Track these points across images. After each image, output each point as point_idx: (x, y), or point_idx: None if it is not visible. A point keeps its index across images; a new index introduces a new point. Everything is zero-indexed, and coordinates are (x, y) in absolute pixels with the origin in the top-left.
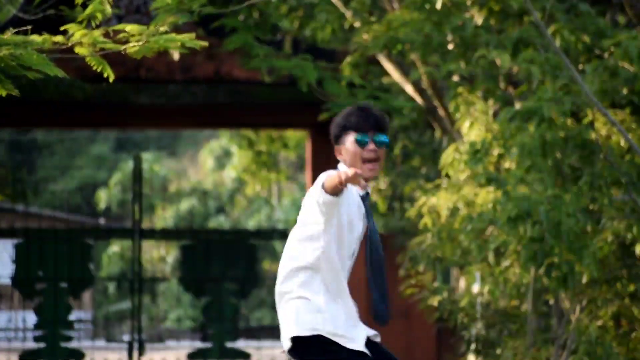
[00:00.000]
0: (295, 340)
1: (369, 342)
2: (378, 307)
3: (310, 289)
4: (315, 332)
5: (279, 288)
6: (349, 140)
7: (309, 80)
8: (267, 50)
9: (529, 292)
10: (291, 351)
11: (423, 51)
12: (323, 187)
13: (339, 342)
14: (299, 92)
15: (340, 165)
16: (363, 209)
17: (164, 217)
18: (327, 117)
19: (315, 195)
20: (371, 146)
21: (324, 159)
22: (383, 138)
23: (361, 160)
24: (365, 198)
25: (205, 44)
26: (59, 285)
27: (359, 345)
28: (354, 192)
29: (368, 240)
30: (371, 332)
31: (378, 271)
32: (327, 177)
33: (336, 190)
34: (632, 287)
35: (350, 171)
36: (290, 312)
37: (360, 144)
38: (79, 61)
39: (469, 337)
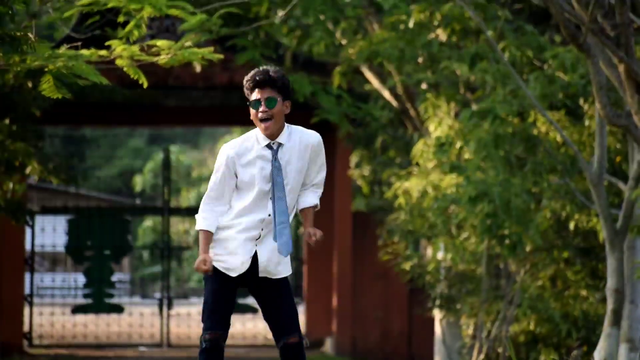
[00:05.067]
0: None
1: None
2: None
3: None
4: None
5: None
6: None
7: (304, 93)
8: (272, 64)
9: (483, 258)
10: None
11: (398, 63)
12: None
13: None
14: (296, 100)
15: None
16: (269, 156)
17: (188, 197)
18: (317, 120)
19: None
20: (262, 107)
21: None
22: (272, 99)
23: (258, 120)
24: (271, 147)
25: (221, 56)
26: (103, 252)
27: (234, 272)
28: (255, 147)
29: (272, 177)
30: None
31: (279, 197)
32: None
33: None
34: (566, 254)
35: (201, 266)
36: None
37: (254, 106)
38: (119, 70)
39: (435, 294)
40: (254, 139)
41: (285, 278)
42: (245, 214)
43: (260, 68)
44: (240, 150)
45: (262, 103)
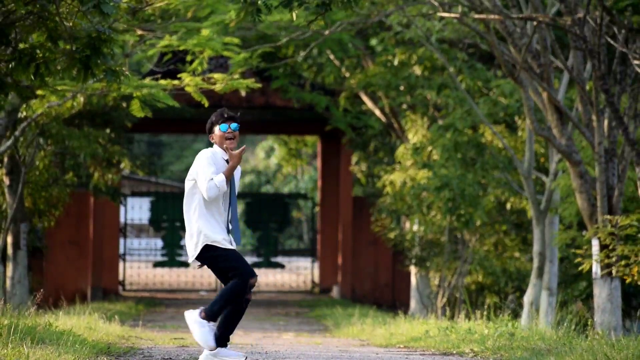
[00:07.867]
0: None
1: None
2: (235, 233)
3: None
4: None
5: None
6: (217, 129)
7: (321, 106)
8: (296, 89)
9: (445, 230)
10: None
11: (386, 90)
12: (218, 184)
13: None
14: (315, 113)
15: (215, 147)
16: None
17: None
18: (330, 128)
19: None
20: (229, 130)
21: (328, 152)
22: (235, 126)
23: (225, 139)
24: (227, 162)
25: (259, 85)
26: (175, 224)
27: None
28: (220, 158)
29: (231, 185)
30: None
31: (234, 206)
32: (219, 181)
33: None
34: (504, 227)
35: (234, 156)
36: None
37: (223, 129)
38: (187, 95)
39: (411, 255)
40: (219, 153)
41: None
42: (216, 217)
43: (225, 112)
44: (214, 157)
45: (229, 127)
